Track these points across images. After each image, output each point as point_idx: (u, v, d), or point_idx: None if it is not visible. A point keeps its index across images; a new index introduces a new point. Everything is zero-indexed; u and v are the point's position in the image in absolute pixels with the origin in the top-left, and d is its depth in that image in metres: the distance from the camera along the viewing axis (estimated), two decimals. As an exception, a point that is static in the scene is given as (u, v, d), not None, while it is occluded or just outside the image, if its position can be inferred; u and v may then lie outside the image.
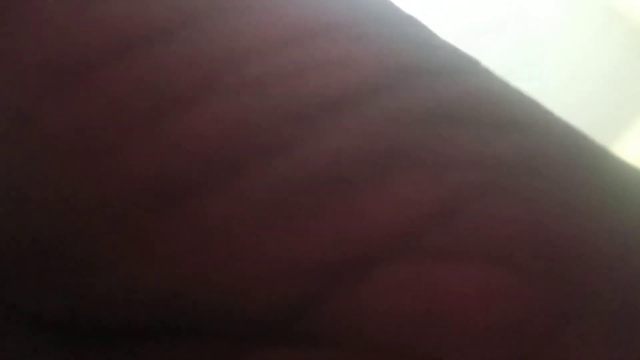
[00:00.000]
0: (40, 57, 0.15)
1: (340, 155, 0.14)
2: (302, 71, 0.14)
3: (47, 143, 0.15)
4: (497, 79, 0.15)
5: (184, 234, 0.14)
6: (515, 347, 0.13)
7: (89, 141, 0.14)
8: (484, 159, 0.14)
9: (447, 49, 0.15)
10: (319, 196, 0.14)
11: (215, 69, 0.14)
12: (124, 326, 0.15)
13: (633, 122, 1.30)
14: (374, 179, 0.14)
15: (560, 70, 1.31)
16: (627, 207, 0.15)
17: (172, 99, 0.14)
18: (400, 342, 0.14)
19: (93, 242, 0.14)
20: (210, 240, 0.14)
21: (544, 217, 0.14)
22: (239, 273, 0.14)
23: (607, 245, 0.14)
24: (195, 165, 0.14)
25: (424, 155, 0.14)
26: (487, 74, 0.15)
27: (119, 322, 0.15)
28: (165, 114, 0.14)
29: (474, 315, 0.14)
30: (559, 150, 0.15)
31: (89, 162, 0.14)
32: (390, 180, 0.14)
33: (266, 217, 0.14)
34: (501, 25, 1.34)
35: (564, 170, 0.14)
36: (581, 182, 0.14)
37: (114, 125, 0.14)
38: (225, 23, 0.15)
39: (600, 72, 1.29)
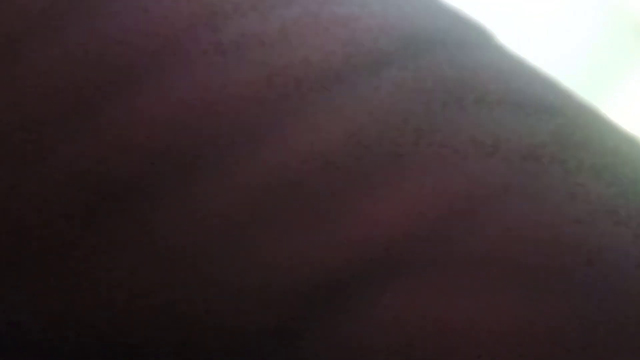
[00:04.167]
0: None
1: (337, 142, 0.11)
2: (292, 34, 0.11)
3: None
4: (516, 56, 0.13)
5: (125, 250, 0.12)
6: None
7: (11, 128, 0.12)
8: (509, 144, 0.12)
9: (461, 18, 0.13)
10: (310, 195, 0.11)
11: (179, 30, 0.11)
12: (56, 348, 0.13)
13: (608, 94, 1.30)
14: (380, 171, 0.12)
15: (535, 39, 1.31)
16: None
17: (118, 73, 0.11)
18: None
19: (19, 251, 0.12)
20: (161, 260, 0.12)
21: (569, 222, 0.12)
22: (201, 299, 0.11)
23: (636, 251, 0.12)
24: (142, 161, 0.11)
25: (440, 140, 0.12)
26: (504, 51, 0.13)
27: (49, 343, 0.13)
28: (108, 95, 0.11)
29: (499, 341, 0.12)
30: (587, 138, 0.13)
31: (11, 153, 0.12)
32: (400, 171, 0.12)
33: (238, 227, 0.11)
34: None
35: (593, 160, 0.12)
36: (612, 174, 0.12)
37: (43, 109, 0.12)
38: None
39: (572, 44, 1.29)
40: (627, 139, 0.14)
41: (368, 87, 0.12)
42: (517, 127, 0.12)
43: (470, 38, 0.13)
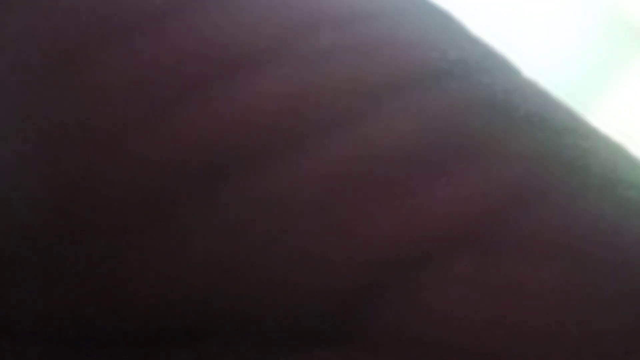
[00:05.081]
0: (57, 27, 0.13)
1: (405, 138, 0.13)
2: (371, 47, 0.14)
3: (71, 114, 0.13)
4: (534, 83, 0.15)
5: (201, 230, 0.13)
6: (599, 349, 0.13)
7: (122, 113, 0.13)
8: (547, 154, 0.14)
9: (485, 45, 0.15)
10: (383, 179, 0.13)
11: (281, 35, 0.14)
12: (136, 332, 0.14)
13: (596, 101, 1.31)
14: (439, 166, 0.13)
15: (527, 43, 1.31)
16: None
17: (232, 63, 0.13)
18: (464, 343, 0.13)
19: (115, 236, 0.13)
20: (236, 234, 0.13)
21: (604, 226, 0.13)
22: (286, 262, 0.13)
23: None
24: (249, 136, 0.13)
25: (490, 144, 0.14)
26: (520, 75, 0.15)
27: (133, 328, 0.14)
28: (220, 79, 0.13)
29: (547, 315, 0.13)
30: (605, 162, 0.14)
31: (118, 138, 0.13)
32: (456, 168, 0.13)
33: (324, 200, 0.13)
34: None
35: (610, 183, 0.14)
36: (623, 197, 0.14)
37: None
38: None
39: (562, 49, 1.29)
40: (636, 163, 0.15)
41: (428, 96, 0.14)
42: (552, 144, 0.14)
43: (494, 64, 0.15)
